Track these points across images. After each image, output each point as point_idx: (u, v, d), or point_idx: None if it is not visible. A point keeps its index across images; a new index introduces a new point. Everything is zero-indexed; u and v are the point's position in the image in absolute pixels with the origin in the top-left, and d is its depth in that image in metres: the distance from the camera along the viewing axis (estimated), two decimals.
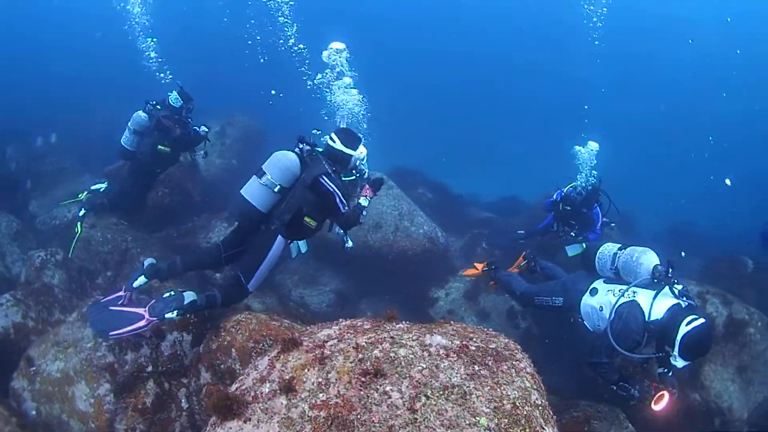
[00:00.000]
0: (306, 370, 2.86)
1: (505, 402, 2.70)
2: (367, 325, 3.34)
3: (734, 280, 8.54)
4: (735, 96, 28.48)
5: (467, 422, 2.52)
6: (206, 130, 7.82)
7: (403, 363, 2.81)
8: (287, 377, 2.84)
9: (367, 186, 5.37)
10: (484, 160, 28.81)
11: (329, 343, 3.08)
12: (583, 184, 7.70)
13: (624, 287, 4.62)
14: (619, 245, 5.03)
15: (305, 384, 2.77)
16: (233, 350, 4.53)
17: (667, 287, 4.44)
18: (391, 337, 3.02)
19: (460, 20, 35.46)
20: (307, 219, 4.95)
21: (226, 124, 13.12)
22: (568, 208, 7.82)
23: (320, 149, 5.22)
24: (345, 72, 7.17)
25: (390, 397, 2.59)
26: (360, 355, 2.88)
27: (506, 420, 2.61)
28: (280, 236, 4.95)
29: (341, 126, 5.94)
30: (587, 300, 5.01)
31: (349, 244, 5.35)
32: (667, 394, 4.27)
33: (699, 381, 5.98)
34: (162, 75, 9.46)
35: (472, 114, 32.81)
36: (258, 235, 5.04)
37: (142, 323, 4.60)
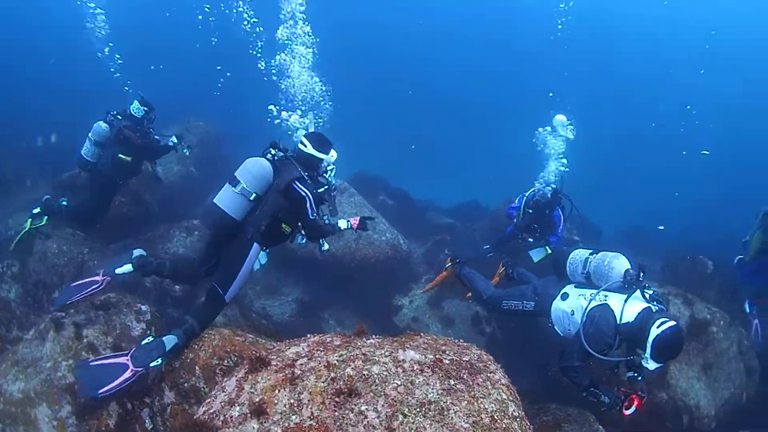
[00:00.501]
0: (277, 392, 2.74)
1: (483, 416, 2.66)
2: (336, 341, 3.23)
3: (694, 281, 8.76)
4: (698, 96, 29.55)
5: None
6: (175, 141, 7.70)
7: (377, 380, 2.72)
8: (257, 399, 2.72)
9: (358, 218, 5.48)
10: (443, 166, 29.06)
11: (299, 362, 2.96)
12: (546, 187, 7.75)
13: (595, 291, 4.66)
14: (591, 250, 5.07)
15: (277, 406, 2.65)
16: (197, 368, 4.34)
17: (638, 291, 4.50)
18: (363, 354, 2.93)
19: (419, 25, 35.63)
20: (284, 225, 4.91)
21: (184, 130, 12.73)
22: (530, 211, 7.85)
23: (291, 154, 5.14)
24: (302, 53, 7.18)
25: (366, 417, 2.51)
26: (332, 374, 2.78)
27: None
28: (255, 244, 4.83)
29: (310, 129, 5.82)
30: (558, 304, 5.02)
31: (325, 247, 5.35)
32: (636, 399, 4.33)
33: (665, 380, 6.09)
34: (117, 73, 9.18)
35: (430, 119, 33.03)
36: (233, 245, 4.89)
37: (128, 374, 4.30)
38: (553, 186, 7.66)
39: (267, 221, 4.81)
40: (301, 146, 5.08)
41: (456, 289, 8.14)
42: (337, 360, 2.89)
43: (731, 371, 6.64)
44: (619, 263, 4.68)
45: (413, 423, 2.50)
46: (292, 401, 2.66)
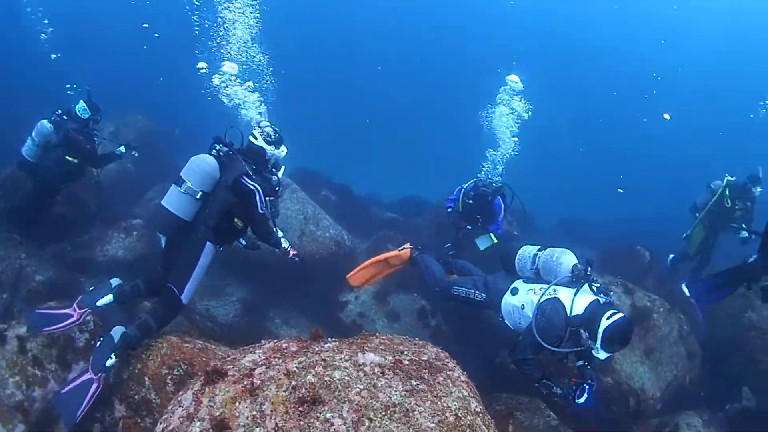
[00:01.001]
0: (237, 404, 2.67)
1: (447, 414, 2.69)
2: (293, 346, 3.18)
3: (633, 270, 9.21)
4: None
5: None
6: (122, 151, 7.42)
7: (339, 386, 2.70)
8: (218, 414, 2.64)
9: (296, 252, 5.46)
10: (385, 159, 29.08)
11: (257, 371, 2.89)
12: (489, 177, 7.89)
13: (545, 286, 4.81)
14: (539, 246, 5.23)
15: (239, 419, 2.58)
16: (146, 379, 4.17)
17: (586, 284, 4.69)
18: (323, 360, 2.90)
19: (360, 19, 35.38)
20: (236, 220, 4.85)
21: (121, 125, 12.17)
22: (471, 201, 7.94)
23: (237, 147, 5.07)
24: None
25: (332, 425, 2.48)
26: (293, 382, 2.73)
27: None
28: (208, 243, 4.75)
29: (263, 122, 5.70)
30: (508, 299, 5.14)
31: (285, 245, 5.30)
32: (587, 387, 4.52)
33: (610, 365, 6.39)
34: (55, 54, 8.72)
35: (370, 112, 32.96)
36: (185, 245, 4.78)
37: (94, 386, 4.15)
38: (499, 177, 7.82)
39: (217, 218, 4.75)
40: (251, 138, 5.05)
41: (402, 282, 8.24)
42: (296, 367, 2.85)
43: (673, 355, 7.07)
44: (567, 258, 4.86)
45: (380, 427, 2.50)
46: (254, 413, 2.59)
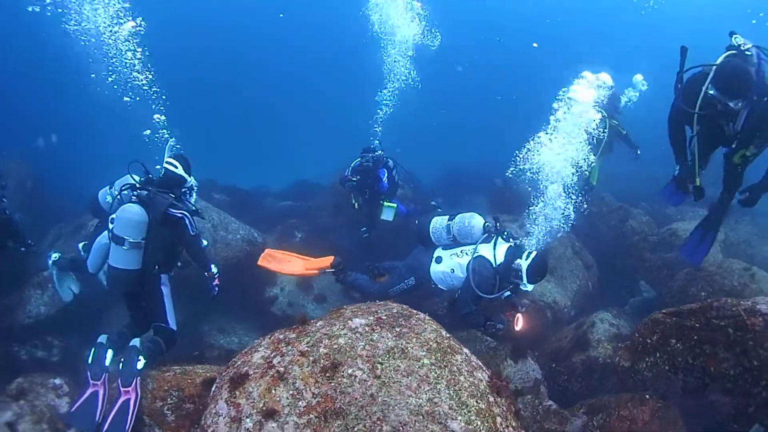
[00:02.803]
0: (273, 391, 3.26)
1: (430, 343, 3.56)
2: (291, 334, 3.80)
3: (519, 204, 10.25)
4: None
5: (417, 366, 3.32)
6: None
7: (347, 348, 3.42)
8: (261, 405, 3.20)
9: (217, 279, 5.71)
10: (262, 152, 28.65)
11: (275, 361, 3.49)
12: (370, 153, 8.67)
13: (465, 248, 5.79)
14: (447, 216, 6.10)
15: (281, 402, 3.18)
16: (145, 417, 4.47)
17: (498, 237, 5.78)
18: (325, 334, 3.59)
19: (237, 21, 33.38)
20: (178, 247, 5.35)
21: None
22: (357, 177, 8.72)
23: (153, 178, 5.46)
24: None
25: (356, 376, 3.21)
26: (311, 358, 3.39)
27: (438, 354, 3.49)
28: (162, 275, 5.24)
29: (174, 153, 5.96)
30: (436, 268, 5.97)
31: (214, 270, 5.67)
32: (521, 315, 5.66)
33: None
34: None
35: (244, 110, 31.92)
36: (145, 287, 5.20)
37: (132, 398, 4.38)
38: (380, 152, 8.64)
39: (161, 253, 5.20)
40: (170, 167, 5.45)
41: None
42: (307, 347, 3.50)
43: (573, 268, 8.41)
44: (477, 221, 5.84)
45: (390, 365, 3.29)
46: (291, 392, 3.21)
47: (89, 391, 4.51)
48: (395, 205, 8.56)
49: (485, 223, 5.86)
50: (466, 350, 3.77)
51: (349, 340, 3.49)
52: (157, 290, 5.15)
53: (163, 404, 4.53)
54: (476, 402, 3.24)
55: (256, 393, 3.30)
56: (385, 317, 3.79)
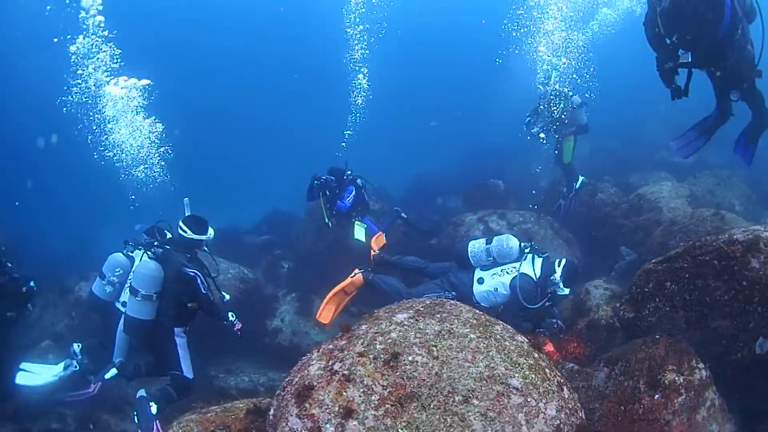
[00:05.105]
0: (345, 393, 3.49)
1: (470, 321, 3.93)
2: (340, 342, 4.04)
3: (492, 200, 10.93)
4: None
5: (466, 341, 3.67)
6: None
7: (401, 340, 3.72)
8: (336, 408, 3.41)
9: (237, 324, 5.91)
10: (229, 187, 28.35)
11: (336, 367, 3.73)
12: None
13: (506, 267, 6.38)
14: (485, 240, 6.65)
15: (355, 401, 3.42)
16: None
17: (532, 253, 6.44)
18: (376, 332, 3.87)
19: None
20: (189, 304, 5.64)
21: None
22: (327, 193, 9.02)
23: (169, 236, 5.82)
24: None
25: (416, 362, 3.52)
26: (371, 355, 3.67)
27: (480, 328, 3.85)
28: (175, 328, 5.58)
29: (186, 214, 6.18)
30: (478, 289, 6.46)
31: (231, 318, 5.88)
32: (560, 321, 6.30)
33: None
34: None
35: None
36: (156, 338, 5.58)
37: None
38: (349, 172, 8.99)
39: (174, 309, 5.59)
40: (182, 233, 5.70)
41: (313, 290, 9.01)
42: (363, 347, 3.77)
43: (556, 247, 9.02)
44: (513, 242, 6.48)
45: (444, 346, 3.62)
46: (362, 390, 3.46)
47: None
48: (365, 225, 8.90)
49: (521, 243, 6.51)
50: (501, 321, 4.15)
51: (400, 333, 3.79)
52: (170, 342, 5.51)
53: None
54: (525, 359, 3.62)
55: (328, 399, 3.52)
56: (422, 309, 4.12)
